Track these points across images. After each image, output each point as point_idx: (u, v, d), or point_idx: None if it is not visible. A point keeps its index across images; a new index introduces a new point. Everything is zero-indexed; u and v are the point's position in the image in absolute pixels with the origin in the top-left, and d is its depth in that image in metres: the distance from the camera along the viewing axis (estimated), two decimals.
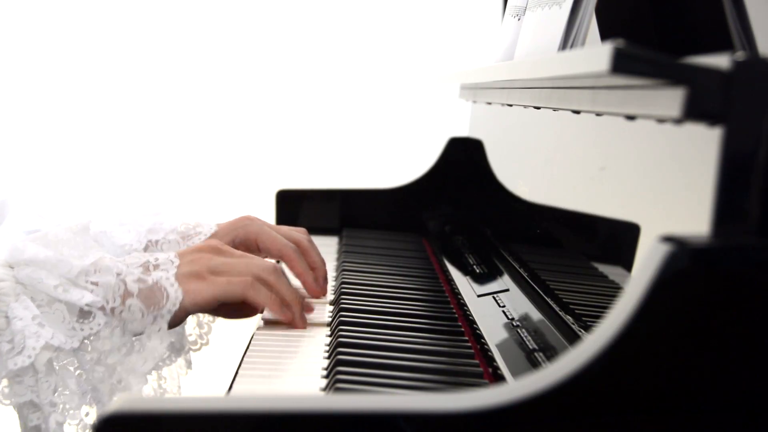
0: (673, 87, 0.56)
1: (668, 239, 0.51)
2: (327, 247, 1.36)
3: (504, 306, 0.95)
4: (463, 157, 1.49)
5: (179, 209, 1.04)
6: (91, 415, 0.81)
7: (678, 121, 0.58)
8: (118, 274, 0.82)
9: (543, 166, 1.01)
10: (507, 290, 1.00)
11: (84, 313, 0.80)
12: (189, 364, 0.96)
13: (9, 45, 2.40)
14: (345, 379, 0.75)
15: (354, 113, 2.50)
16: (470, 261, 1.18)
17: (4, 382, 0.79)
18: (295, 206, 1.50)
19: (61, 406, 0.79)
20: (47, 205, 0.90)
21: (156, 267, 0.83)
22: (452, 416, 0.51)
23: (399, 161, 2.33)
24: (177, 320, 0.84)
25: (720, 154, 0.54)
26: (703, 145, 0.56)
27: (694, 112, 0.54)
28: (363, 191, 1.52)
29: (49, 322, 0.79)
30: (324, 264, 1.04)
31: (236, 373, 0.80)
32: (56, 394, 0.79)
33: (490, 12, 2.14)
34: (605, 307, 0.73)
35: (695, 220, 0.56)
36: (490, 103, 1.33)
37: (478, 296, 1.02)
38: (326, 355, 0.84)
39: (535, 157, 1.05)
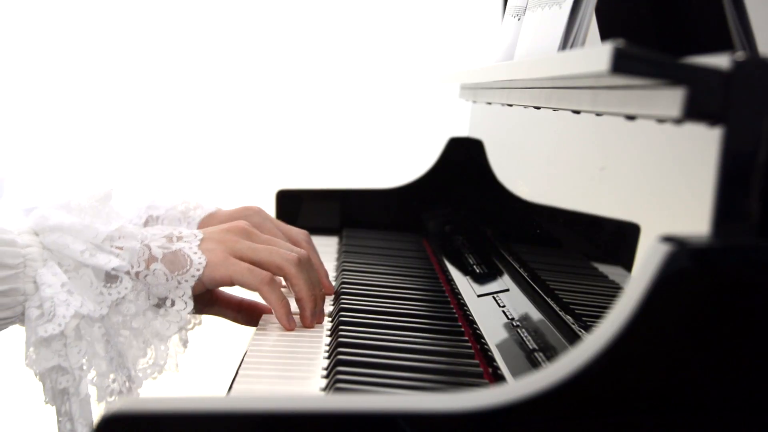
0: (673, 87, 0.56)
1: (668, 239, 0.51)
2: (327, 247, 1.36)
3: (504, 306, 0.95)
4: (463, 157, 1.49)
5: (178, 190, 1.04)
6: (117, 381, 0.81)
7: (678, 121, 0.58)
8: (143, 240, 0.82)
9: (543, 166, 1.01)
10: (507, 290, 1.00)
11: (111, 278, 0.81)
12: (185, 343, 0.96)
13: (10, 27, 2.39)
14: (345, 379, 0.75)
15: (354, 113, 2.50)
16: (470, 261, 1.18)
17: (30, 349, 0.79)
18: (295, 206, 1.50)
19: (89, 370, 0.80)
20: (44, 184, 0.91)
21: (179, 239, 0.84)
22: (452, 416, 0.51)
23: (399, 161, 2.33)
24: (195, 292, 0.84)
25: (720, 154, 0.54)
26: (703, 145, 0.56)
27: (694, 112, 0.54)
28: (363, 191, 1.52)
29: (77, 288, 0.79)
30: (323, 267, 1.03)
31: (236, 373, 0.80)
32: (85, 359, 0.79)
33: (490, 12, 2.15)
34: (605, 307, 0.73)
35: (695, 220, 0.56)
36: (490, 103, 1.33)
37: (478, 296, 1.02)
38: (326, 355, 0.84)
39: (535, 157, 1.05)
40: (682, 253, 0.51)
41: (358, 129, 2.50)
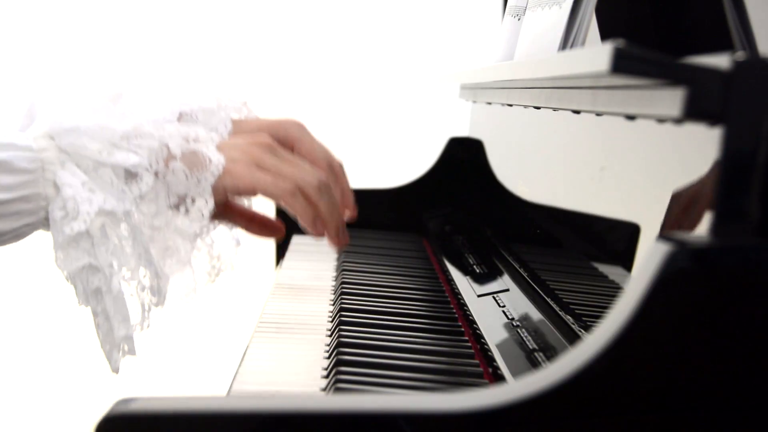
0: (673, 87, 0.56)
1: (668, 239, 0.52)
2: (327, 247, 1.36)
3: (504, 306, 0.95)
4: (463, 157, 1.49)
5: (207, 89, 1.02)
6: (147, 277, 0.81)
7: (678, 121, 0.58)
8: (160, 139, 0.82)
9: (543, 166, 1.01)
10: (507, 290, 1.00)
11: (131, 175, 0.80)
12: (237, 242, 0.96)
13: None
14: (345, 379, 0.75)
15: (354, 113, 2.50)
16: (470, 261, 1.18)
17: (59, 250, 0.79)
18: None
19: (120, 268, 0.80)
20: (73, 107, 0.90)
21: (196, 140, 0.83)
22: (452, 416, 0.51)
23: (399, 161, 2.33)
24: (216, 196, 0.83)
25: (720, 154, 0.54)
26: (703, 145, 0.56)
27: (694, 112, 0.54)
28: (363, 191, 1.52)
29: (98, 186, 0.79)
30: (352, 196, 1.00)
31: (236, 373, 0.80)
32: (114, 258, 0.79)
33: (490, 12, 2.15)
34: (605, 307, 0.73)
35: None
36: (490, 103, 1.33)
37: (478, 296, 1.02)
38: (326, 355, 0.84)
39: (535, 157, 1.05)
40: (682, 253, 0.51)
41: (358, 129, 2.50)
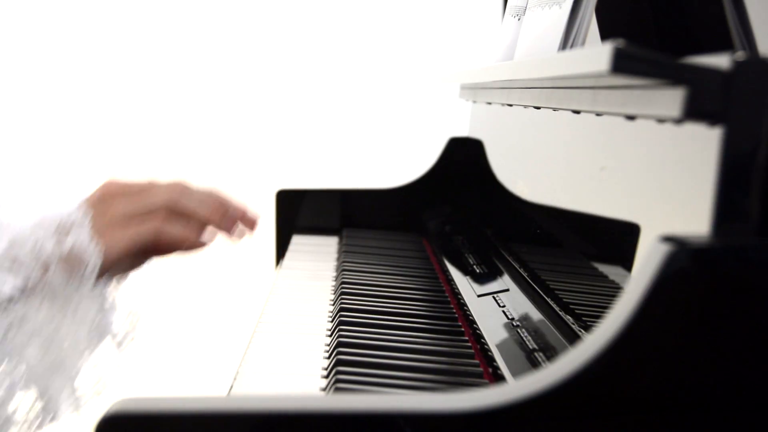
0: (673, 87, 0.56)
1: (668, 239, 0.52)
2: (327, 247, 1.36)
3: (504, 306, 0.95)
4: (463, 157, 1.49)
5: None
6: (36, 405, 0.78)
7: (678, 121, 0.58)
8: (33, 249, 0.78)
9: (543, 166, 1.01)
10: (507, 290, 1.00)
11: (7, 299, 0.76)
12: (122, 355, 0.93)
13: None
14: (345, 379, 0.75)
15: (354, 113, 2.50)
16: (470, 261, 1.18)
17: None
18: (295, 206, 1.50)
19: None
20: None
21: (71, 226, 0.80)
22: (452, 416, 0.51)
23: (399, 161, 2.33)
24: (103, 274, 0.81)
25: (720, 154, 0.54)
26: (703, 145, 0.56)
27: (694, 112, 0.54)
28: (363, 191, 1.52)
29: None
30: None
31: (236, 373, 0.80)
32: None
33: (490, 12, 2.15)
34: (605, 307, 0.73)
35: (695, 220, 0.56)
36: (490, 103, 1.33)
37: (478, 296, 1.02)
38: (326, 355, 0.84)
39: (535, 157, 1.05)
40: (682, 253, 0.51)
41: (358, 129, 2.50)
